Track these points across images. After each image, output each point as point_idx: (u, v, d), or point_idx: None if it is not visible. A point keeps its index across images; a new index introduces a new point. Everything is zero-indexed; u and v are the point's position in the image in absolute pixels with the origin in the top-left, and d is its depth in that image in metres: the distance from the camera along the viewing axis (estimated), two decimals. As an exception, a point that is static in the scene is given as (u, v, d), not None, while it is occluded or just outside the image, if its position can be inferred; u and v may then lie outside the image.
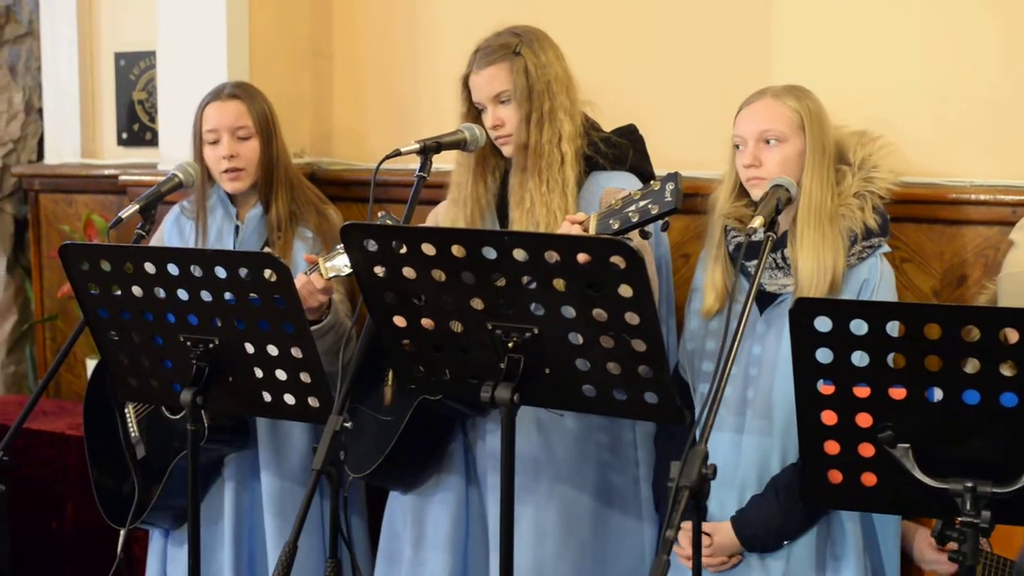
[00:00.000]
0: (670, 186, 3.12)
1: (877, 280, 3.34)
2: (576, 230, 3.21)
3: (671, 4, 4.34)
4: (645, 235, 3.22)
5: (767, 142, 3.35)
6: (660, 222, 3.17)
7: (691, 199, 3.61)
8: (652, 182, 3.19)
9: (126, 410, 4.10)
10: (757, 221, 2.99)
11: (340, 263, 3.61)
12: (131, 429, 4.07)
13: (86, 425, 4.23)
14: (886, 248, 3.40)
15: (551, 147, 3.57)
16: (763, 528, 3.34)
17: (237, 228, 4.08)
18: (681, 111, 4.29)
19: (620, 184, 3.54)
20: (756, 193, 3.33)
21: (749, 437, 3.42)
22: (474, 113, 3.69)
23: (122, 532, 4.14)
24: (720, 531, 3.38)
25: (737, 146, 3.41)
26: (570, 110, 3.63)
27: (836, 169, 3.40)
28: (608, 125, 3.75)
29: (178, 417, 3.96)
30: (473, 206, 3.71)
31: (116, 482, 4.15)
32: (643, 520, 3.72)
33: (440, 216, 3.86)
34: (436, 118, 4.31)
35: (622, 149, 3.66)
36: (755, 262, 3.20)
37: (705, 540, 3.35)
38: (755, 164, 3.35)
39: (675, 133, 4.15)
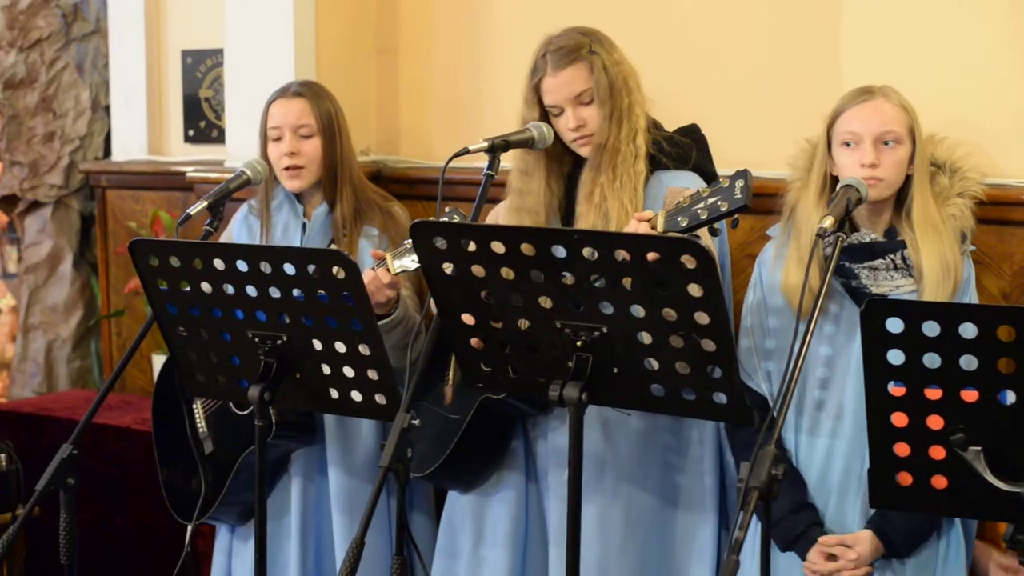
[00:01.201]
0: (740, 183, 3.10)
1: (971, 280, 3.37)
2: (644, 227, 3.19)
3: (736, 3, 4.31)
4: (714, 232, 3.20)
5: (885, 143, 3.33)
6: (730, 219, 3.17)
7: (758, 199, 3.61)
8: (721, 179, 3.18)
9: (194, 406, 4.12)
10: (828, 221, 2.98)
11: (408, 259, 3.62)
12: (199, 425, 4.09)
13: (155, 421, 4.26)
14: (972, 247, 3.42)
15: (627, 143, 3.57)
16: (909, 533, 3.32)
17: (304, 225, 4.09)
18: (743, 110, 4.27)
19: (683, 183, 3.52)
20: (873, 194, 3.28)
21: (823, 440, 3.41)
22: (543, 117, 3.66)
23: (189, 527, 4.16)
24: (861, 541, 3.34)
25: (847, 143, 3.36)
26: (642, 105, 3.64)
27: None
28: (670, 125, 3.75)
29: (245, 413, 3.97)
30: (537, 211, 3.70)
31: (183, 477, 4.17)
32: (708, 519, 3.71)
33: (500, 220, 3.84)
34: (501, 116, 4.30)
35: (685, 148, 3.66)
36: (866, 263, 3.31)
37: (847, 553, 3.33)
38: (876, 164, 3.32)
39: (736, 132, 4.13)
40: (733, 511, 3.69)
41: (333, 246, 3.99)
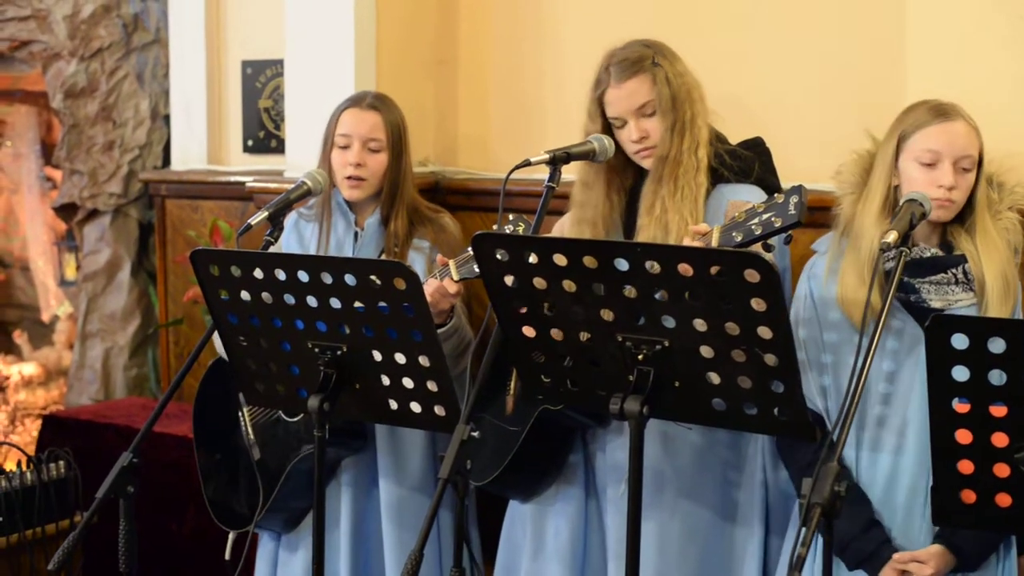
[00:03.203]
0: (794, 199, 3.10)
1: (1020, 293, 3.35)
2: (698, 241, 3.20)
3: (801, 16, 4.31)
4: (768, 248, 3.19)
5: (963, 168, 3.31)
6: (784, 235, 3.16)
7: (819, 212, 3.59)
8: (776, 195, 3.17)
9: (240, 413, 4.13)
10: (892, 235, 2.97)
11: (472, 264, 3.62)
12: (246, 432, 4.10)
13: (196, 429, 4.27)
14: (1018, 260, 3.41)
15: (689, 154, 3.56)
16: (979, 545, 3.29)
17: (356, 235, 4.10)
18: (806, 123, 4.27)
19: (745, 197, 3.51)
20: (942, 215, 3.28)
21: (887, 456, 3.38)
22: (606, 129, 3.66)
23: (231, 535, 4.17)
24: (935, 556, 3.29)
25: (924, 162, 3.32)
26: (705, 117, 3.64)
27: None
28: (733, 138, 3.73)
29: (296, 420, 3.98)
30: (599, 224, 3.70)
31: (227, 485, 4.18)
32: (755, 531, 3.68)
33: (565, 232, 3.84)
34: (561, 127, 4.31)
35: (747, 161, 3.64)
36: (928, 278, 3.29)
37: (922, 569, 3.30)
38: (955, 187, 3.29)
39: (799, 145, 4.12)
40: (776, 524, 3.68)
41: (384, 256, 4.00)
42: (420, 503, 4.06)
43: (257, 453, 4.05)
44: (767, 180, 3.65)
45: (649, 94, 3.58)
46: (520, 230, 3.68)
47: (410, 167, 4.13)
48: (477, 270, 3.55)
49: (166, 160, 6.09)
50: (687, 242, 3.22)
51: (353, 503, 4.11)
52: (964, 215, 3.37)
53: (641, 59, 3.59)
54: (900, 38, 4.11)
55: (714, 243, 3.17)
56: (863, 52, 4.19)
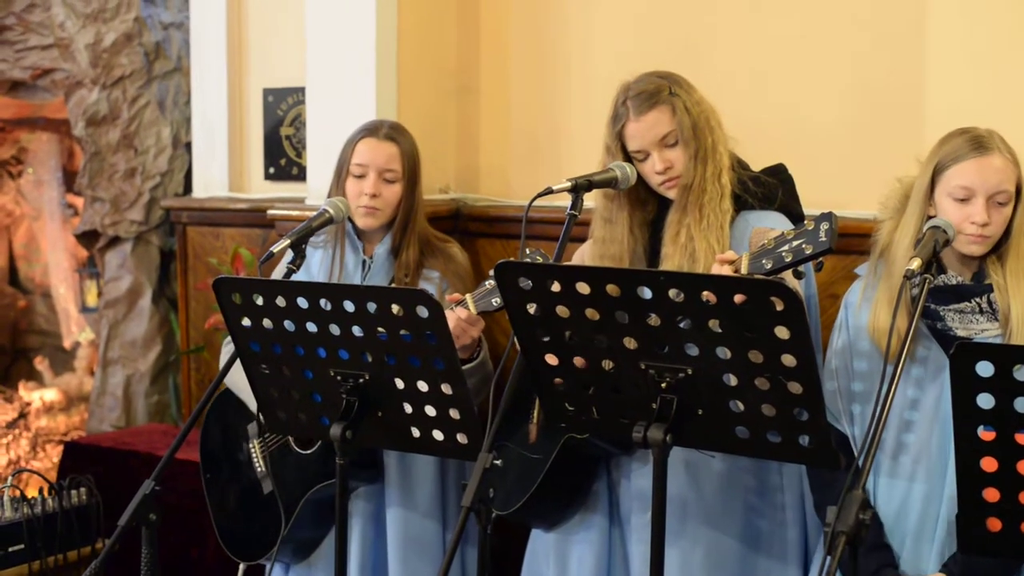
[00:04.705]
0: (824, 226, 3.09)
1: None
2: (727, 269, 3.18)
3: (821, 43, 4.31)
4: (799, 275, 3.18)
5: (998, 203, 3.27)
6: (814, 262, 3.15)
7: (842, 239, 3.57)
8: (806, 221, 3.16)
9: (251, 445, 4.12)
10: (915, 262, 2.96)
11: (490, 299, 3.63)
12: (256, 464, 4.09)
13: (203, 459, 4.26)
14: None
15: (713, 182, 3.55)
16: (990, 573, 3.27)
17: (363, 263, 4.10)
18: (828, 150, 4.27)
19: (769, 223, 3.50)
20: (975, 251, 3.26)
21: (902, 482, 3.36)
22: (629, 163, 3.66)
23: (242, 566, 4.17)
24: None
25: (958, 198, 3.27)
26: (725, 143, 3.62)
27: None
28: (755, 165, 3.72)
29: (309, 452, 3.98)
30: (624, 261, 3.68)
31: (238, 516, 4.18)
32: (790, 565, 3.66)
33: (586, 261, 3.83)
34: (582, 155, 4.29)
35: (771, 188, 3.63)
36: (952, 306, 3.26)
37: None
38: (988, 223, 3.25)
39: (820, 172, 4.12)
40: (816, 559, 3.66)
41: (392, 284, 4.01)
42: (429, 533, 4.07)
43: (269, 486, 4.04)
44: (790, 207, 3.64)
45: (670, 124, 3.57)
46: (540, 262, 3.67)
47: (421, 196, 4.13)
48: (496, 303, 3.59)
49: (187, 187, 6.11)
50: (715, 269, 3.21)
51: (362, 533, 4.09)
52: (1000, 243, 3.32)
53: (659, 90, 3.58)
54: (921, 65, 4.11)
55: (743, 270, 3.16)
56: (884, 80, 4.19)
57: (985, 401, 2.61)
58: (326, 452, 3.91)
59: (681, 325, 2.82)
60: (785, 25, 4.40)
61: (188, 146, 6.09)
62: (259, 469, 4.07)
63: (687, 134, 3.56)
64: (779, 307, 2.68)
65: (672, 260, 3.54)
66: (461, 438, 3.21)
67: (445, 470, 4.10)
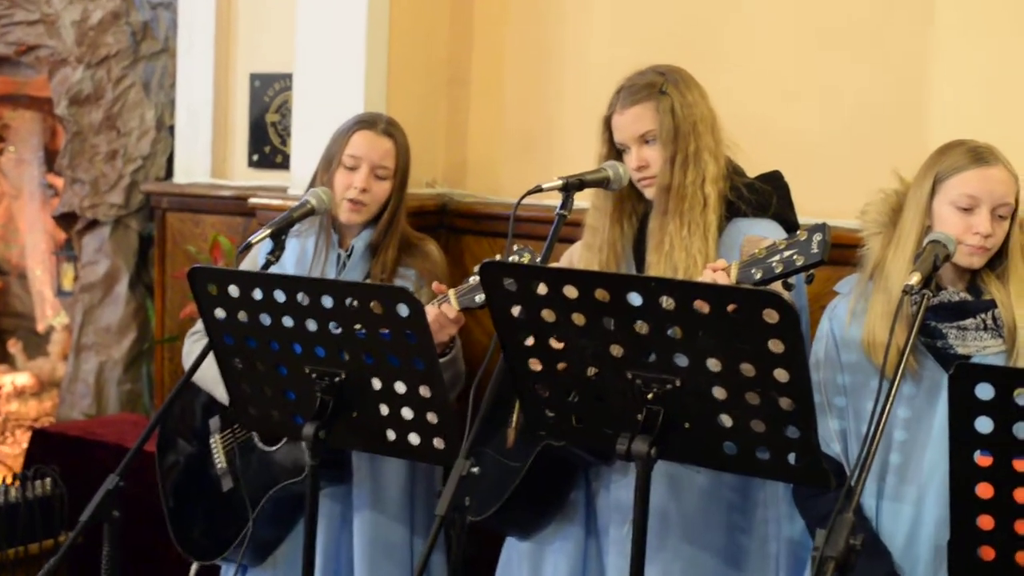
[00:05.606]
0: (817, 237, 3.02)
1: None
2: (721, 277, 3.10)
3: (824, 52, 4.26)
4: (788, 287, 3.10)
5: (1000, 215, 3.22)
6: (805, 274, 3.06)
7: (836, 249, 3.49)
8: (798, 232, 3.09)
9: (212, 440, 4.03)
10: (915, 278, 2.89)
11: (473, 295, 3.55)
12: (217, 460, 3.99)
13: (160, 453, 4.16)
14: None
15: (695, 189, 3.47)
16: None
17: (338, 257, 4.02)
18: (823, 159, 4.22)
19: (762, 232, 3.42)
20: (975, 262, 3.21)
21: (889, 504, 3.28)
22: (614, 154, 3.60)
23: (194, 566, 4.09)
24: None
25: (962, 207, 3.21)
26: (715, 151, 3.53)
27: None
28: (752, 170, 3.64)
29: (274, 449, 3.89)
30: (609, 252, 3.62)
31: (192, 514, 4.09)
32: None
33: (575, 259, 3.77)
34: (575, 152, 4.25)
35: (765, 196, 3.55)
36: (954, 323, 3.19)
37: None
38: (992, 234, 3.20)
39: (815, 181, 4.05)
40: None
41: (368, 281, 3.93)
42: (397, 535, 3.99)
43: (228, 483, 3.94)
44: (785, 215, 3.57)
45: (651, 123, 3.50)
46: (525, 260, 3.59)
47: (406, 195, 4.06)
48: (479, 300, 3.53)
49: (169, 172, 6.02)
50: (704, 278, 3.13)
51: (327, 535, 3.99)
52: (995, 261, 3.27)
53: (650, 86, 3.51)
54: (924, 75, 4.06)
55: (732, 279, 3.09)
56: (886, 89, 4.14)
57: (984, 425, 2.55)
58: (291, 449, 3.83)
59: (670, 334, 2.74)
60: (783, 32, 4.34)
61: (171, 129, 6.00)
62: (219, 465, 3.97)
63: (666, 136, 3.48)
64: (774, 319, 2.60)
65: (656, 268, 3.47)
66: (438, 443, 3.14)
67: (414, 471, 4.01)
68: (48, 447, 5.40)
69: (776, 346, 2.63)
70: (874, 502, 3.31)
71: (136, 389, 6.17)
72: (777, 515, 3.58)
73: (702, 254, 3.42)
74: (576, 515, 3.71)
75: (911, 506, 3.26)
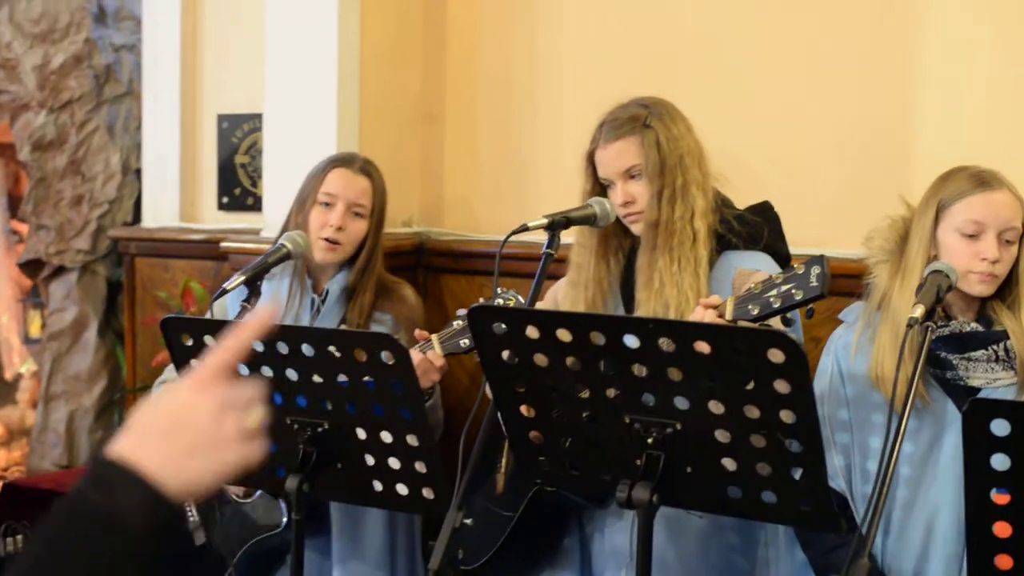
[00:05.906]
0: (816, 270, 2.90)
1: None
2: (711, 315, 2.99)
3: (810, 80, 4.19)
4: (787, 322, 3.00)
5: (1007, 240, 3.15)
6: (804, 309, 2.95)
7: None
8: (796, 265, 2.98)
9: None
10: (919, 310, 2.80)
11: (459, 340, 3.46)
12: (189, 514, 3.87)
13: None
14: None
15: (683, 224, 3.38)
16: None
17: (312, 301, 3.92)
18: (813, 188, 4.14)
19: (754, 264, 3.34)
20: (983, 290, 3.13)
21: (895, 540, 3.20)
22: (599, 189, 3.50)
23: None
24: None
25: (967, 233, 3.15)
26: (703, 184, 3.44)
27: None
28: (740, 202, 3.56)
29: (249, 501, 3.78)
30: (595, 289, 3.52)
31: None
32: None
33: (559, 297, 3.67)
34: (554, 188, 4.17)
35: (756, 228, 3.46)
36: (965, 354, 3.12)
37: None
38: (999, 260, 3.13)
39: (806, 211, 3.99)
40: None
41: (343, 326, 3.83)
42: None
43: (202, 536, 3.82)
44: (776, 247, 3.49)
45: (636, 157, 3.42)
46: (511, 304, 3.49)
47: (382, 237, 3.98)
48: (464, 345, 3.46)
49: (136, 216, 5.90)
50: (697, 316, 3.02)
51: None
52: (1004, 289, 3.19)
53: (633, 119, 3.43)
54: (910, 103, 4.00)
55: (728, 315, 2.98)
56: (874, 116, 4.08)
57: (1000, 462, 2.47)
58: (266, 502, 3.73)
59: (670, 376, 2.62)
60: (769, 63, 4.27)
61: (138, 173, 5.88)
62: (191, 519, 3.84)
63: (652, 170, 3.39)
64: (779, 359, 2.49)
65: (646, 306, 3.37)
66: (427, 492, 3.05)
67: (394, 520, 3.90)
68: (19, 500, 5.28)
69: (783, 387, 2.53)
70: (880, 539, 3.22)
71: (108, 438, 6.00)
72: (778, 555, 3.48)
73: (693, 290, 3.33)
74: (570, 562, 3.61)
75: (918, 543, 3.17)
